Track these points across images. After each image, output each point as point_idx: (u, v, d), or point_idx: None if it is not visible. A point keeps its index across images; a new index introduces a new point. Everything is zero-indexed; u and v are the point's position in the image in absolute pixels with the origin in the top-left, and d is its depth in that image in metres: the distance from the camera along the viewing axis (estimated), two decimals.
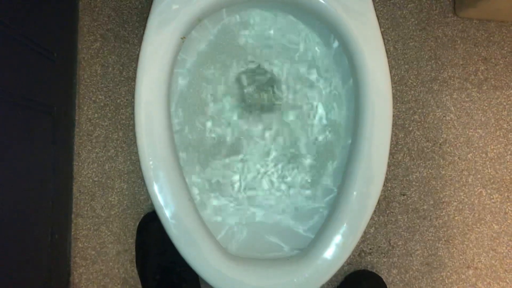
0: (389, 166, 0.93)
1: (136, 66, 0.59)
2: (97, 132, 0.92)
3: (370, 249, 0.92)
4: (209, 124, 0.70)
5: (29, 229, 0.75)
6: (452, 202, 0.93)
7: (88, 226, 0.91)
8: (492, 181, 0.94)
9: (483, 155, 0.94)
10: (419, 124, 0.94)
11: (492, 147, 0.94)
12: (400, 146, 0.94)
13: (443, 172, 0.93)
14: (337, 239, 0.59)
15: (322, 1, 0.60)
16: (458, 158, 0.94)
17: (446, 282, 0.92)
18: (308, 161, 0.70)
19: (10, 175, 0.69)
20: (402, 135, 0.94)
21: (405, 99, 0.94)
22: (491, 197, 0.93)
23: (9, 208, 0.69)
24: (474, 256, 0.92)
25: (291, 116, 0.70)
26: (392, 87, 0.93)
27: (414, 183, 0.93)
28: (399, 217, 0.92)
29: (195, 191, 0.68)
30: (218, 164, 0.70)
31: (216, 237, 0.64)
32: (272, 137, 0.71)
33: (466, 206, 0.93)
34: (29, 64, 0.75)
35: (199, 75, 0.70)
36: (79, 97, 0.92)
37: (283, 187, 0.70)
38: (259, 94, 0.72)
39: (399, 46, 0.95)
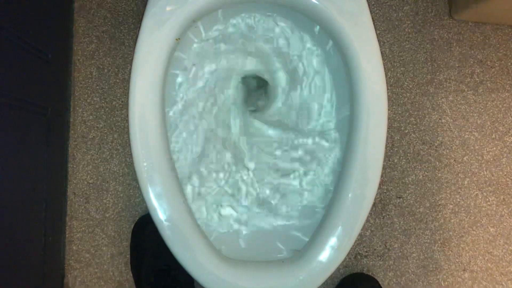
0: (385, 168, 0.93)
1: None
2: (92, 134, 0.92)
3: (366, 251, 0.92)
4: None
5: (22, 231, 0.75)
6: (448, 204, 0.93)
7: (83, 228, 0.90)
8: (488, 183, 0.93)
9: (479, 157, 0.94)
10: (415, 126, 0.94)
11: (488, 150, 0.94)
12: (396, 149, 0.93)
13: (439, 175, 0.93)
14: (332, 241, 0.59)
15: (317, 2, 0.60)
16: (454, 160, 0.94)
17: (442, 285, 0.92)
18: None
19: (2, 176, 0.68)
20: (398, 138, 0.94)
21: (401, 102, 0.94)
22: (487, 199, 0.93)
23: (2, 209, 0.68)
24: (470, 259, 0.92)
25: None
26: (388, 89, 0.94)
27: (410, 185, 0.93)
28: (395, 219, 0.92)
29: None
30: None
31: (210, 238, 0.64)
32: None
33: (462, 209, 0.93)
34: (24, 65, 0.75)
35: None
36: (74, 99, 0.92)
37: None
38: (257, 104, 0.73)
39: (395, 48, 0.95)
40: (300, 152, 0.69)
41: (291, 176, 0.69)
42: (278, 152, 0.70)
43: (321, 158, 0.68)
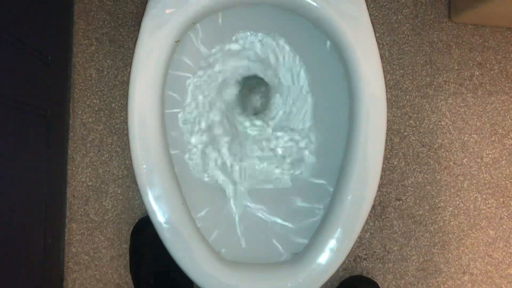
0: (384, 171, 0.93)
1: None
2: (91, 136, 0.92)
3: (366, 254, 0.91)
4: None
5: (21, 233, 0.75)
6: (448, 207, 0.93)
7: (82, 231, 0.90)
8: (487, 186, 0.93)
9: (478, 160, 0.94)
10: (414, 129, 0.94)
11: (487, 152, 0.94)
12: (395, 151, 0.93)
13: (439, 177, 0.93)
14: (332, 243, 0.59)
15: (316, 5, 0.60)
16: (454, 163, 0.94)
17: (442, 287, 0.92)
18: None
19: (2, 178, 0.68)
20: (398, 140, 0.94)
21: (400, 104, 0.94)
22: (487, 202, 0.93)
23: (1, 211, 0.68)
24: (469, 262, 0.92)
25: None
26: (387, 92, 0.94)
27: (409, 188, 0.93)
28: (394, 222, 0.92)
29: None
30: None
31: (209, 240, 0.64)
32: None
33: (462, 211, 0.93)
34: (24, 67, 0.75)
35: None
36: (74, 101, 0.92)
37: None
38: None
39: (394, 51, 0.96)
40: (292, 151, 0.70)
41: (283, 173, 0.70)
42: (273, 150, 0.71)
43: (310, 157, 0.69)
